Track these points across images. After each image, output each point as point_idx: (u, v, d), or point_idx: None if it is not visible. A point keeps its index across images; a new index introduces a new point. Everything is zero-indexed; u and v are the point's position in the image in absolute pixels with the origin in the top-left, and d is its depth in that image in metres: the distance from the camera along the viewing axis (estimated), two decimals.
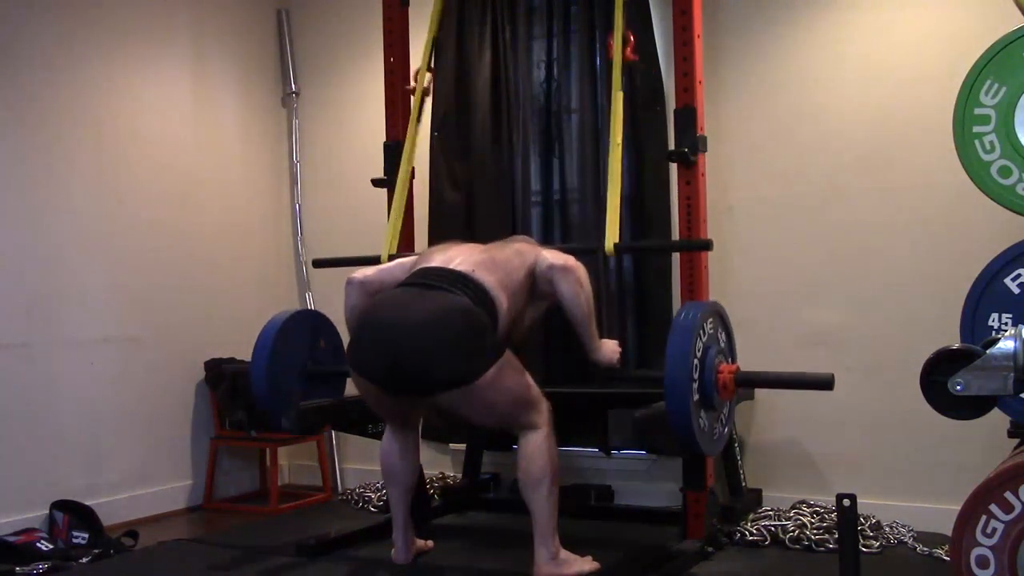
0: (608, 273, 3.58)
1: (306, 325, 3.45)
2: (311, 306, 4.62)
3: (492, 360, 2.64)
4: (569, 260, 2.83)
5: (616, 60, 3.23)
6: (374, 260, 3.32)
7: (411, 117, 3.63)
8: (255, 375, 3.25)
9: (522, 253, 2.90)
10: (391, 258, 3.33)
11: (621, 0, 3.28)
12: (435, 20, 3.78)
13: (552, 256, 2.86)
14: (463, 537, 3.46)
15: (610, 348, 2.92)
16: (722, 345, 2.72)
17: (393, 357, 2.62)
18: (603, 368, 2.91)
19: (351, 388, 3.40)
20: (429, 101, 3.89)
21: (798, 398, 3.60)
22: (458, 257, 2.86)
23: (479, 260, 2.83)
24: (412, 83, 3.72)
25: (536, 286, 2.88)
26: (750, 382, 2.78)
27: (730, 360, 2.77)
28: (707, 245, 3.09)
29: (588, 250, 3.14)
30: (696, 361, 2.51)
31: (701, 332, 2.55)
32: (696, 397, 2.50)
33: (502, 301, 2.76)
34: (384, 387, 2.74)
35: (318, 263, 3.83)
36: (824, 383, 2.59)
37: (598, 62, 3.78)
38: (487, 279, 2.76)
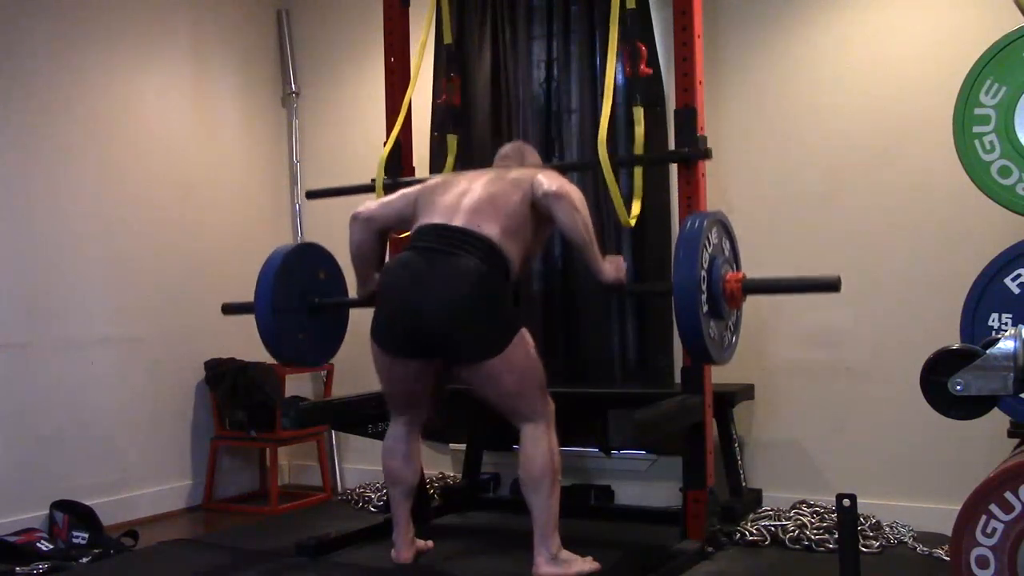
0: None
1: (307, 258, 3.43)
2: None
3: (513, 330, 2.73)
4: (563, 186, 2.81)
5: (610, 69, 3.20)
6: (369, 188, 3.44)
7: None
8: (259, 310, 3.23)
9: (519, 183, 2.87)
10: (387, 188, 3.36)
11: (621, 11, 3.24)
12: (448, 27, 3.75)
13: (547, 181, 2.82)
14: (463, 537, 3.46)
15: (616, 265, 2.92)
16: (727, 254, 2.74)
17: (421, 328, 2.72)
18: (610, 285, 2.91)
19: (354, 322, 3.50)
20: (431, 102, 3.89)
21: (798, 398, 3.61)
22: (462, 205, 2.85)
23: (482, 206, 2.82)
24: (443, 95, 3.71)
25: (537, 211, 2.87)
26: (756, 289, 2.78)
27: (735, 268, 2.78)
28: (705, 154, 3.04)
29: (586, 165, 3.11)
30: (704, 272, 2.53)
31: (707, 242, 2.56)
32: (705, 308, 2.53)
33: (510, 250, 2.80)
34: (411, 355, 2.79)
35: (311, 194, 3.94)
36: (829, 284, 2.61)
37: (598, 62, 3.78)
38: (492, 231, 2.78)
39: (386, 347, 2.83)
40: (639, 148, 3.16)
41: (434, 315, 2.70)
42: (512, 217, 2.82)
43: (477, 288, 2.70)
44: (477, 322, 2.70)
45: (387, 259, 3.20)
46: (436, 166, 4.03)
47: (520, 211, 2.84)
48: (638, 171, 3.19)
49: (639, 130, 3.14)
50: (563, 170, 3.16)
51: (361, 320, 3.61)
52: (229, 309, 3.50)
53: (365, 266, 3.15)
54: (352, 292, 3.37)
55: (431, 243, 2.81)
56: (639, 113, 3.16)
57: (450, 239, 2.78)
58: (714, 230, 2.65)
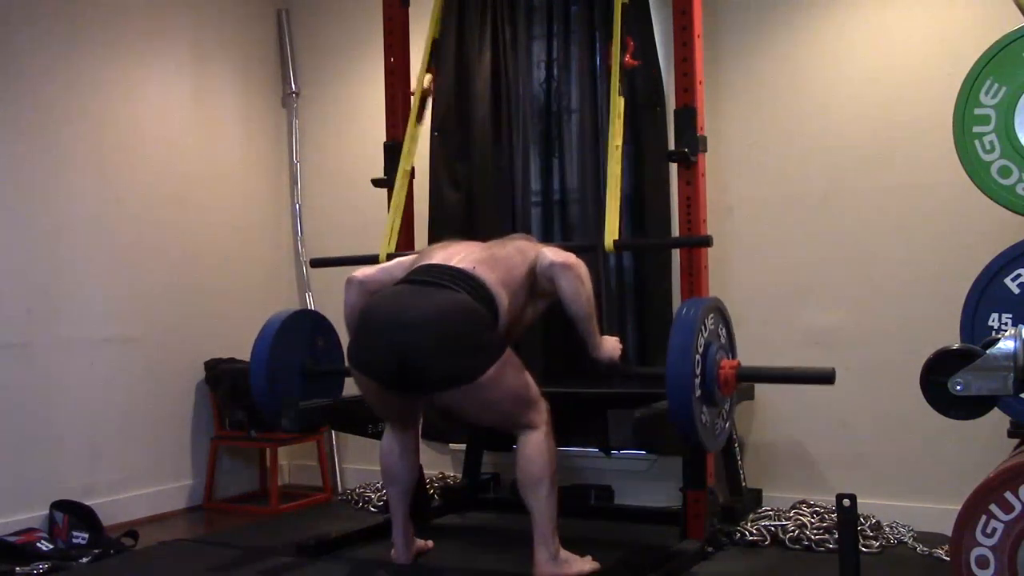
0: (609, 271, 3.59)
1: (304, 325, 3.45)
2: (311, 306, 4.62)
3: (493, 358, 2.64)
4: (570, 257, 2.83)
5: (615, 66, 3.22)
6: (372, 259, 3.33)
7: (411, 117, 3.63)
8: (254, 374, 3.25)
9: (523, 251, 2.90)
10: (389, 257, 3.33)
11: (619, 5, 3.27)
12: (435, 20, 3.77)
13: (553, 253, 2.85)
14: (463, 537, 3.46)
15: (611, 345, 2.93)
16: (723, 341, 2.73)
17: (394, 355, 2.62)
18: (604, 365, 2.91)
19: (350, 387, 3.41)
20: (430, 101, 3.89)
21: (798, 398, 3.61)
22: (459, 254, 2.86)
23: (480, 257, 2.83)
24: (413, 86, 3.72)
25: (536, 283, 2.87)
26: (751, 377, 2.79)
27: (731, 355, 2.77)
28: (707, 241, 3.09)
29: (588, 247, 3.14)
30: (698, 357, 2.51)
31: (702, 328, 2.56)
32: (698, 393, 2.51)
33: (503, 298, 2.76)
34: (385, 385, 2.74)
35: (316, 263, 3.83)
36: (825, 377, 2.60)
37: (598, 62, 3.78)
38: (488, 276, 2.76)
39: (363, 371, 2.77)
40: (617, 139, 3.14)
41: (407, 347, 2.60)
42: (511, 273, 2.81)
43: (458, 316, 2.64)
44: (452, 351, 2.60)
45: None
46: (436, 166, 4.04)
47: (520, 274, 2.82)
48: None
49: (618, 122, 3.14)
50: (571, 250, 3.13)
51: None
52: (228, 372, 3.64)
53: None
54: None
55: (422, 276, 2.78)
56: (620, 104, 3.16)
57: (439, 275, 2.75)
58: (710, 316, 2.64)
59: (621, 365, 2.99)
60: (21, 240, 3.67)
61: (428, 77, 3.72)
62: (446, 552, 3.20)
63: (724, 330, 2.77)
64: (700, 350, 2.53)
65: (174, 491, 4.20)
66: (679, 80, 3.19)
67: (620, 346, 2.95)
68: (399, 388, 2.73)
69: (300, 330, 3.41)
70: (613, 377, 3.23)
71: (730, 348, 2.80)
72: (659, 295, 3.69)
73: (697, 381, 2.50)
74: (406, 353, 2.60)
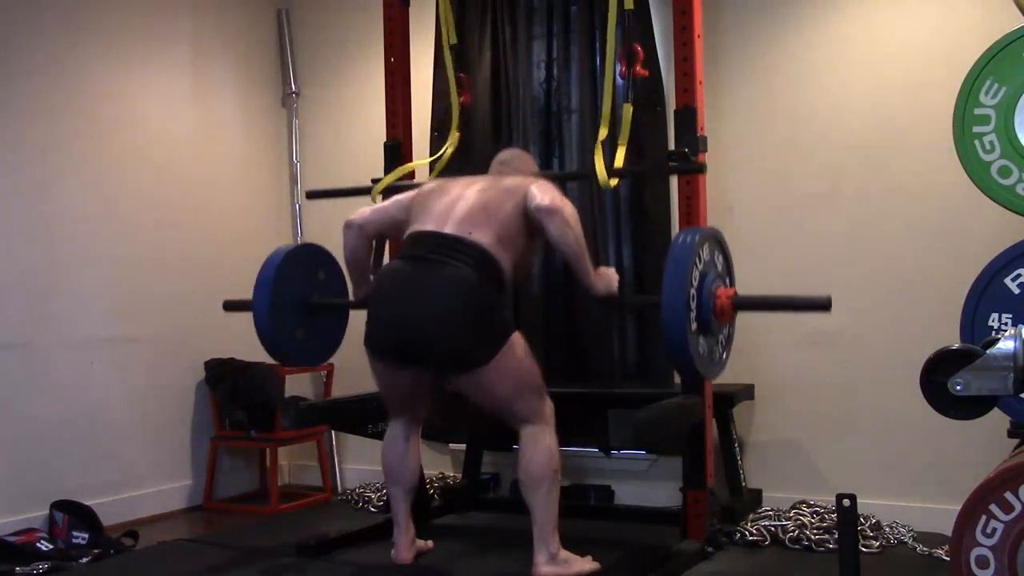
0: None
1: (307, 259, 3.43)
2: None
3: (504, 339, 2.71)
4: (555, 201, 2.80)
5: (627, 74, 3.21)
6: (367, 191, 3.40)
7: (452, 128, 3.63)
8: (258, 310, 3.23)
9: (513, 192, 2.86)
10: (385, 194, 3.33)
11: (621, 10, 3.24)
12: (450, 26, 3.74)
13: (540, 194, 2.81)
14: (463, 537, 3.46)
15: (608, 278, 2.92)
16: (720, 270, 2.74)
17: (408, 341, 2.72)
18: (602, 298, 2.92)
19: (353, 324, 3.46)
20: (430, 100, 3.89)
21: (798, 397, 3.61)
22: (454, 212, 2.84)
23: (474, 214, 2.81)
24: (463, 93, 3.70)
25: (530, 221, 2.85)
26: (747, 305, 2.79)
27: (728, 284, 2.77)
28: (701, 168, 3.04)
29: (580, 174, 3.09)
30: (693, 290, 2.54)
31: (698, 258, 2.56)
32: (694, 325, 2.53)
33: (505, 260, 2.79)
34: (400, 365, 2.80)
35: (312, 194, 3.99)
36: (820, 303, 2.62)
37: (598, 62, 3.78)
38: (485, 238, 2.77)
39: (378, 355, 2.84)
40: (623, 142, 3.14)
41: (421, 328, 2.69)
42: (505, 225, 2.81)
43: (466, 298, 2.69)
44: (464, 334, 2.68)
45: (386, 261, 3.21)
46: (436, 165, 4.03)
47: (513, 220, 2.82)
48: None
49: (626, 130, 3.14)
50: (559, 180, 3.14)
51: (361, 321, 3.63)
52: (230, 306, 3.50)
53: (360, 271, 3.17)
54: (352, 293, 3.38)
55: (421, 252, 2.80)
56: (628, 111, 3.16)
57: (440, 248, 2.77)
58: (706, 246, 2.64)
59: (618, 297, 2.98)
60: (21, 240, 3.67)
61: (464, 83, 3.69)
62: (446, 552, 3.20)
63: (721, 259, 2.78)
64: (695, 281, 2.55)
65: (174, 491, 4.20)
66: (679, 80, 3.19)
67: (616, 277, 2.94)
68: (414, 366, 2.78)
69: (303, 265, 3.39)
70: (611, 308, 3.23)
71: (728, 276, 2.82)
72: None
73: (692, 313, 2.53)
74: (419, 340, 2.70)
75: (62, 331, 3.78)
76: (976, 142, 2.51)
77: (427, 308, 2.68)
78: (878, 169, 3.50)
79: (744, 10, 3.76)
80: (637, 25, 3.50)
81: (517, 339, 2.77)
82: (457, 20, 3.87)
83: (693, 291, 2.53)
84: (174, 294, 4.21)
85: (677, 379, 3.31)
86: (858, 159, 3.54)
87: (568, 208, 2.81)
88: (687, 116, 3.11)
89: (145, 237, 4.11)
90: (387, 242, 3.28)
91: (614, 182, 3.11)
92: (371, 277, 3.17)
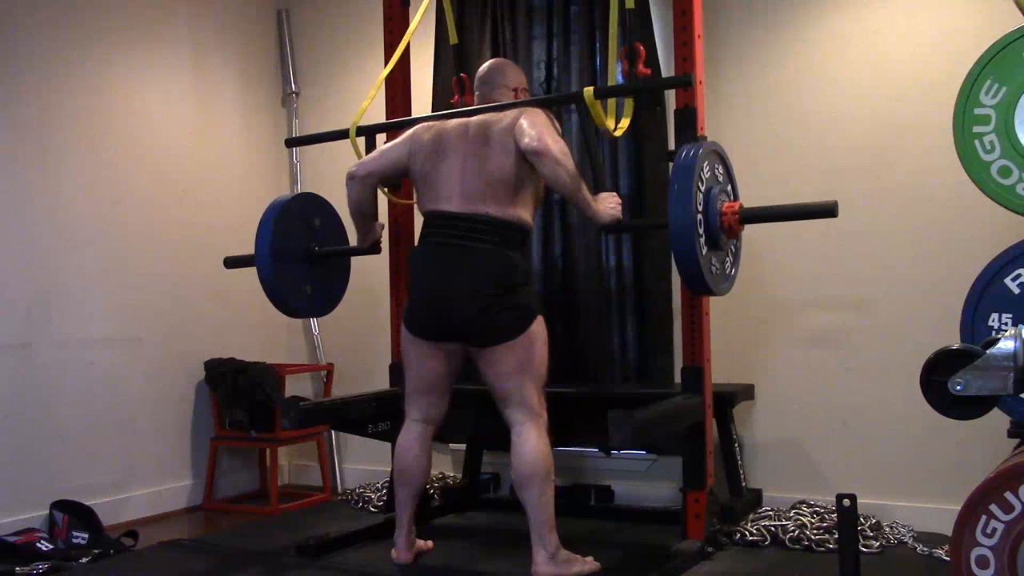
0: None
1: (305, 208, 3.44)
2: None
3: (530, 317, 2.85)
4: (543, 139, 2.79)
5: (611, 69, 3.20)
6: (344, 135, 3.38)
7: None
8: (260, 260, 3.24)
9: (506, 144, 2.88)
10: (360, 133, 3.34)
11: (621, 10, 3.24)
12: (453, 26, 3.75)
13: (528, 136, 2.82)
14: (463, 537, 3.46)
15: (608, 204, 2.91)
16: (723, 183, 2.75)
17: (448, 312, 2.86)
18: (607, 226, 2.93)
19: (356, 272, 3.55)
20: (430, 101, 3.88)
21: (798, 398, 3.61)
22: (464, 190, 2.91)
23: (482, 189, 2.88)
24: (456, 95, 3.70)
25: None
26: (754, 218, 2.78)
27: (732, 198, 2.78)
28: (687, 81, 3.01)
29: (571, 96, 3.11)
30: (699, 206, 2.55)
31: (701, 175, 2.57)
32: (703, 241, 2.55)
33: (522, 214, 2.92)
34: (438, 340, 2.93)
35: (290, 142, 4.13)
36: (827, 210, 2.64)
37: (598, 62, 3.78)
38: (501, 211, 2.87)
39: (417, 333, 2.95)
40: (621, 131, 3.13)
41: (461, 307, 2.83)
42: (512, 185, 2.89)
43: (498, 277, 2.82)
44: (498, 310, 2.81)
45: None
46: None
47: (516, 171, 2.88)
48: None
49: (625, 121, 3.14)
50: (548, 104, 3.15)
51: (362, 272, 3.60)
52: (231, 262, 3.53)
53: (365, 219, 3.28)
54: (352, 241, 3.48)
55: (447, 238, 2.89)
56: (630, 104, 3.16)
57: (463, 230, 2.87)
58: (707, 161, 2.64)
59: (622, 222, 2.99)
60: (21, 240, 3.67)
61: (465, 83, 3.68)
62: (446, 552, 3.20)
63: (724, 173, 2.79)
64: (700, 205, 2.56)
65: (174, 491, 4.20)
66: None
67: (618, 200, 2.94)
68: (453, 337, 2.91)
69: (302, 213, 3.41)
70: (615, 232, 3.32)
71: (732, 190, 2.83)
72: (659, 295, 3.68)
73: (700, 229, 2.54)
74: (459, 318, 2.84)
75: (62, 331, 3.78)
76: (976, 142, 2.51)
77: (463, 287, 2.82)
78: (878, 168, 3.50)
79: (744, 10, 3.76)
80: (637, 24, 3.50)
81: (541, 325, 2.89)
82: (457, 20, 3.87)
83: (699, 216, 2.54)
84: (174, 294, 4.21)
85: (677, 379, 3.31)
86: (858, 159, 3.54)
87: (556, 146, 2.79)
88: (687, 116, 3.11)
89: (145, 237, 4.12)
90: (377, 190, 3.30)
91: (618, 132, 3.08)
92: (375, 223, 3.33)
